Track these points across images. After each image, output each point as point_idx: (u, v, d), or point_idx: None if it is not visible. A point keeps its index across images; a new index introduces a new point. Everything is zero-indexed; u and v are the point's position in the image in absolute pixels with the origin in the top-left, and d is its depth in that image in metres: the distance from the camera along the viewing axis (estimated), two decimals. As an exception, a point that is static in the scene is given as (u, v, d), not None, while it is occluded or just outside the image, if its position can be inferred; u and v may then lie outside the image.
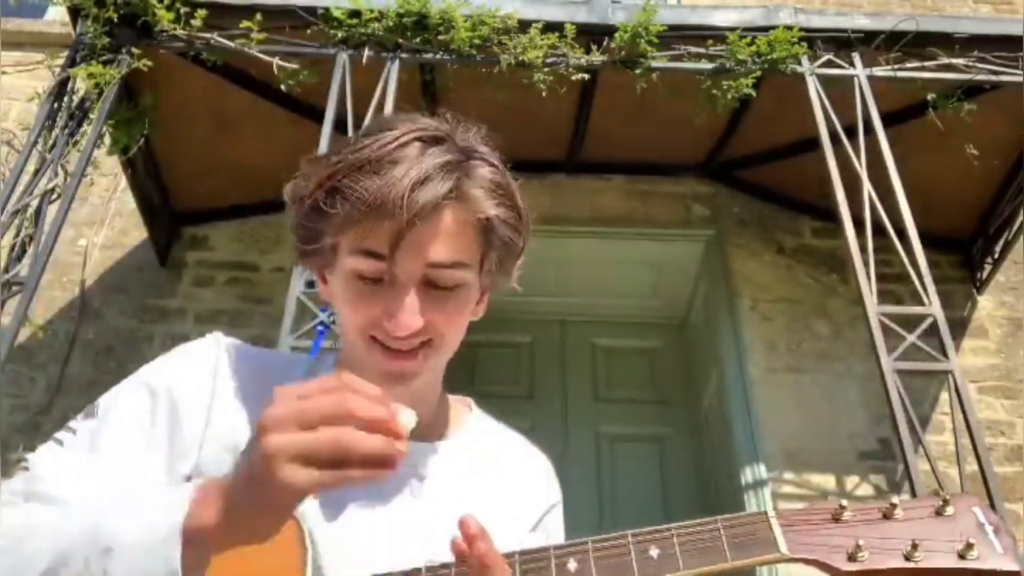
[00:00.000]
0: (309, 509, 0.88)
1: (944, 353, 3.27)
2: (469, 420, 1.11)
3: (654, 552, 0.87)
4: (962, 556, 0.84)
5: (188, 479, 0.92)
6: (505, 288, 1.04)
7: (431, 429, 1.05)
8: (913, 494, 3.00)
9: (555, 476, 1.14)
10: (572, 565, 0.85)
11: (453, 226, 0.91)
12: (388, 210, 0.86)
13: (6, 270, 3.31)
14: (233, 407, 0.96)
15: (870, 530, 0.87)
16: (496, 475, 1.06)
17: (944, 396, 4.21)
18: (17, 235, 3.41)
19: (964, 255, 5.04)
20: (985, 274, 4.92)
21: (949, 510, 0.88)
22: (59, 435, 0.94)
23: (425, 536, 0.95)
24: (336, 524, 0.91)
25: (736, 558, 0.87)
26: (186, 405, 0.95)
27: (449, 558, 0.87)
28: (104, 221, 4.96)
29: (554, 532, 1.09)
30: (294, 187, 0.98)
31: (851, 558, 0.85)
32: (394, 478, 0.95)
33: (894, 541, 0.86)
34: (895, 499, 0.89)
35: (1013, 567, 0.84)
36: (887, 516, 0.88)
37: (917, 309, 3.42)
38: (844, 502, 0.89)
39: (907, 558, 0.84)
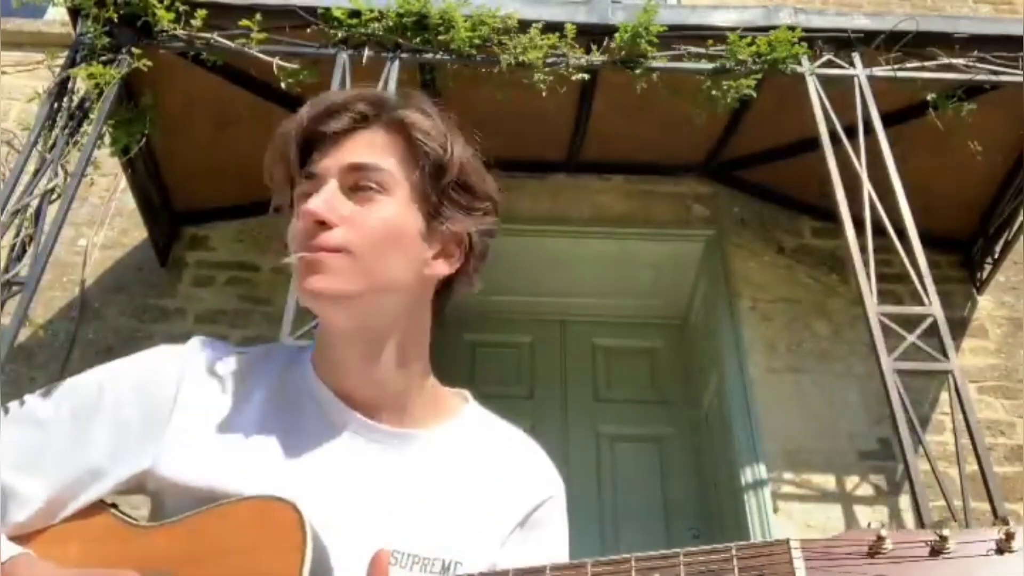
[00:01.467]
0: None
1: (944, 353, 3.27)
2: (463, 411, 1.08)
3: None
4: None
5: (135, 479, 0.93)
6: (472, 237, 1.00)
7: (413, 415, 1.02)
8: (913, 495, 3.00)
9: (553, 469, 1.11)
10: None
11: (368, 135, 0.96)
12: (303, 132, 0.96)
13: (6, 270, 3.31)
14: (196, 408, 0.95)
15: (915, 569, 0.73)
16: (485, 466, 1.03)
17: (944, 396, 4.21)
18: (17, 235, 3.41)
19: (964, 255, 5.04)
20: (985, 274, 4.92)
21: (1015, 545, 0.72)
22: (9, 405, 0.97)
23: (407, 524, 0.94)
24: (320, 511, 0.89)
25: None
26: (144, 405, 0.94)
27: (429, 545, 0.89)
28: (104, 221, 4.96)
29: (548, 524, 1.06)
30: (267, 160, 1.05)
31: None
32: (385, 461, 0.96)
33: None
34: (947, 530, 0.73)
35: None
36: (936, 551, 0.73)
37: (917, 309, 3.42)
38: (883, 532, 0.75)
39: None
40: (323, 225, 0.91)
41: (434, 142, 0.96)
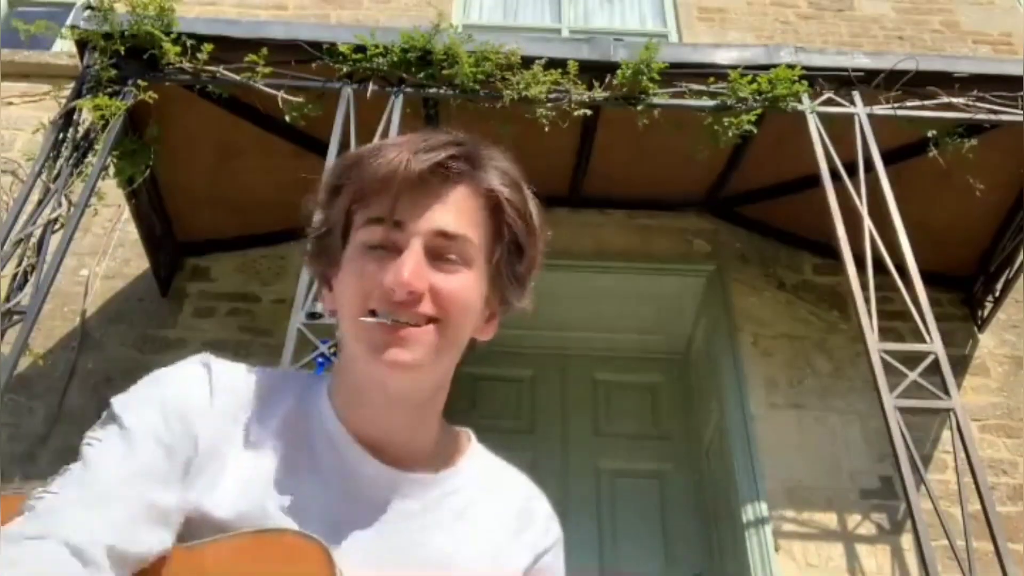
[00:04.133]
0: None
1: (946, 391, 3.26)
2: (469, 454, 1.07)
3: None
4: None
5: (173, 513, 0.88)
6: (516, 305, 1.00)
7: (432, 457, 1.01)
8: (916, 534, 2.97)
9: (554, 515, 1.11)
10: None
11: (462, 197, 0.91)
12: (392, 175, 0.87)
13: (7, 299, 3.31)
14: (221, 437, 0.92)
15: None
16: (493, 512, 1.03)
17: (946, 434, 4.19)
18: (19, 264, 3.42)
19: (965, 293, 5.04)
20: (986, 312, 4.91)
21: None
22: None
23: (426, 567, 0.94)
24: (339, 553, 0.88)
25: None
26: (185, 438, 0.90)
27: None
28: (106, 251, 4.97)
29: (554, 569, 1.07)
30: (305, 200, 0.99)
31: None
32: (400, 507, 0.95)
33: None
34: None
35: None
36: None
37: (918, 346, 3.41)
38: None
39: None
40: (412, 295, 0.87)
41: (520, 224, 0.95)
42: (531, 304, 1.02)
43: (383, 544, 0.93)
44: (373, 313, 0.88)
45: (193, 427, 0.90)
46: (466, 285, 0.91)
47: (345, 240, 0.93)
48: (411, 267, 0.86)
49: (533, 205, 0.97)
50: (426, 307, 0.88)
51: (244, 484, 0.89)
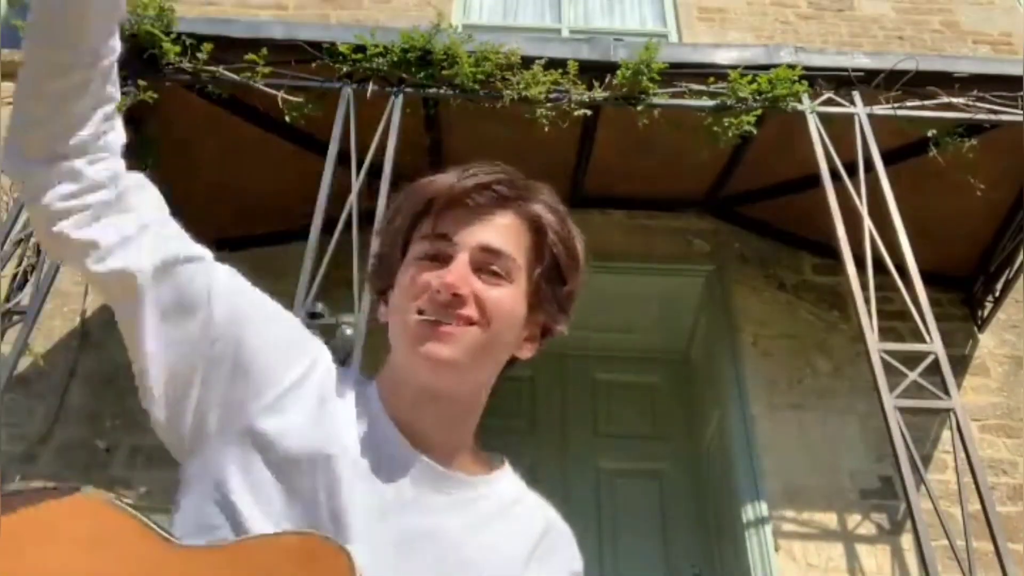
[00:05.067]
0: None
1: (946, 391, 3.26)
2: (502, 470, 1.11)
3: None
4: None
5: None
6: (555, 329, 1.08)
7: (467, 463, 1.05)
8: (916, 534, 2.97)
9: (576, 544, 1.14)
10: None
11: (504, 219, 1.00)
12: (442, 193, 0.98)
13: (7, 299, 3.31)
14: (316, 387, 0.99)
15: None
16: (515, 527, 1.05)
17: (946, 434, 4.19)
18: (19, 265, 3.42)
19: (965, 293, 5.04)
20: (986, 312, 4.91)
21: None
22: None
23: (459, 565, 0.96)
24: (373, 545, 0.90)
25: None
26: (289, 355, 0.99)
27: None
28: (106, 251, 4.97)
29: None
30: (374, 248, 1.11)
31: None
32: (433, 499, 0.98)
33: None
34: None
35: None
36: None
37: (918, 346, 3.41)
38: None
39: None
40: (457, 298, 0.95)
41: (562, 249, 1.04)
42: (567, 329, 1.09)
43: (409, 533, 0.94)
44: (420, 313, 0.96)
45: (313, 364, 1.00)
46: (507, 297, 0.98)
47: (403, 259, 1.02)
48: (456, 272, 0.95)
49: (578, 239, 1.07)
50: (469, 311, 0.95)
51: (314, 426, 0.95)
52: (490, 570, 0.98)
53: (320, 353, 1.02)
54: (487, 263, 0.98)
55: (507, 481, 1.10)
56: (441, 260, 0.97)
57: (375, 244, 1.09)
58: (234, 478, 0.91)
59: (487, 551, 0.99)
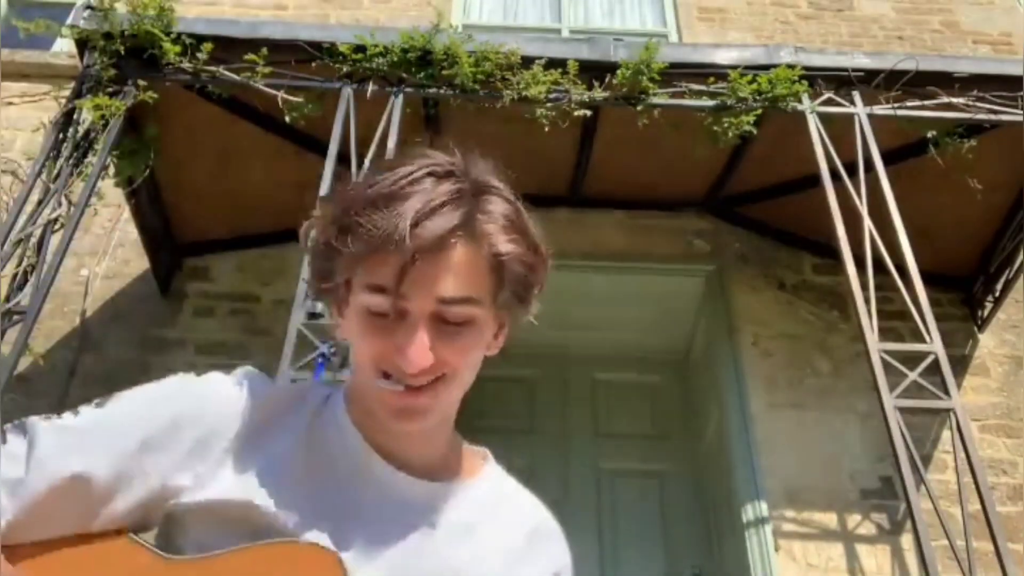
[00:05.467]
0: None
1: (946, 391, 3.26)
2: (484, 469, 1.10)
3: None
4: None
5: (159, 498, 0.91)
6: (522, 321, 1.04)
7: (444, 469, 1.04)
8: (916, 534, 2.97)
9: (564, 538, 1.12)
10: None
11: (463, 261, 0.90)
12: (395, 244, 0.86)
13: (7, 299, 3.31)
14: (239, 440, 0.94)
15: None
16: (501, 528, 1.05)
17: (946, 434, 4.19)
18: (19, 264, 3.42)
19: (965, 293, 5.04)
20: (986, 312, 4.91)
21: None
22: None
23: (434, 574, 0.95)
24: (349, 556, 0.90)
25: None
26: (194, 431, 0.93)
27: None
28: (106, 251, 4.97)
29: None
30: (307, 226, 0.98)
31: None
32: (407, 514, 0.97)
33: None
34: None
35: None
36: None
37: (918, 346, 3.41)
38: None
39: None
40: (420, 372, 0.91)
41: (526, 268, 0.96)
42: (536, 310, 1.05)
43: (393, 548, 0.95)
44: (386, 374, 0.91)
45: (206, 426, 0.94)
46: (471, 342, 0.94)
47: (349, 288, 0.93)
48: (417, 349, 0.88)
49: (536, 237, 1.00)
50: (434, 371, 0.91)
51: (258, 481, 0.92)
52: None
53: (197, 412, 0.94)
54: (446, 314, 0.90)
55: (490, 481, 1.09)
56: (395, 316, 0.89)
57: (313, 249, 0.97)
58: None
59: (475, 559, 0.99)
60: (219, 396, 0.96)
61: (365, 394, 0.98)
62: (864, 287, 3.47)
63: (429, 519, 0.98)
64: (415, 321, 0.89)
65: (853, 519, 4.30)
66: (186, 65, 3.85)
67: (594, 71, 3.99)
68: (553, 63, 3.94)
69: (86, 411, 0.95)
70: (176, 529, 0.92)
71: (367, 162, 3.63)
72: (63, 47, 5.46)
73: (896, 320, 3.94)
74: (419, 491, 0.99)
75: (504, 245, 0.93)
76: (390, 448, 0.99)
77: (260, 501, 0.90)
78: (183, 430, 0.92)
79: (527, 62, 3.93)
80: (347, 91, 3.87)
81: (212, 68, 3.86)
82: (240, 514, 0.89)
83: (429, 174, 0.91)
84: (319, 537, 0.89)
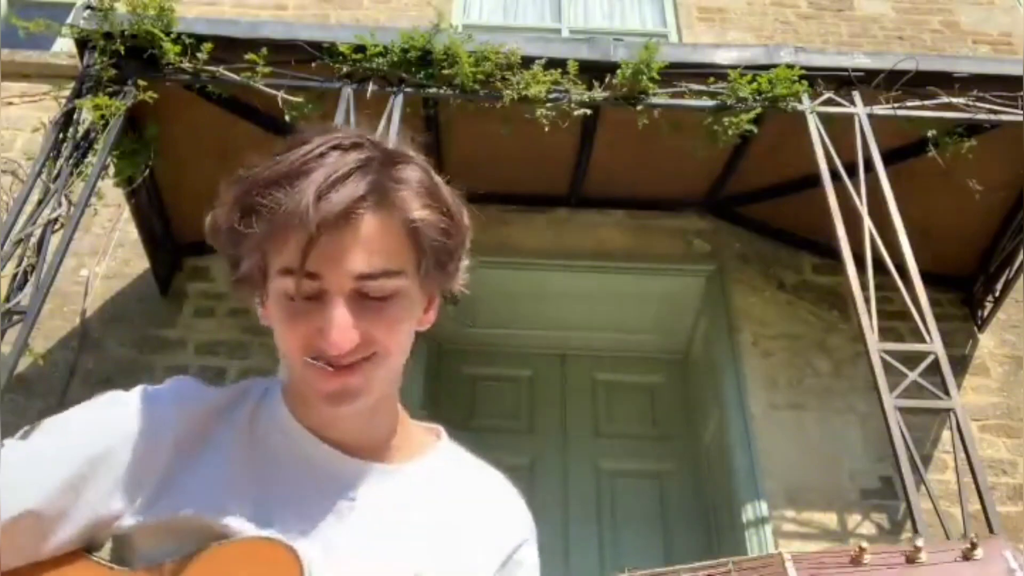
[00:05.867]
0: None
1: (946, 391, 3.26)
2: (436, 447, 1.07)
3: None
4: None
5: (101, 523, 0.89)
6: (452, 291, 1.00)
7: (388, 451, 1.01)
8: (915, 533, 2.97)
9: (526, 509, 1.11)
10: None
11: (376, 232, 0.86)
12: (298, 220, 0.82)
13: (7, 299, 3.31)
14: (176, 452, 0.92)
15: None
16: (463, 505, 1.03)
17: (946, 434, 4.18)
18: (19, 265, 3.42)
19: (965, 293, 5.03)
20: (986, 312, 4.91)
21: (978, 554, 0.83)
22: None
23: (392, 559, 0.94)
24: (304, 548, 0.88)
25: None
26: (129, 455, 0.91)
27: None
28: (106, 251, 4.97)
29: (528, 565, 1.06)
30: (212, 216, 0.94)
31: None
32: (365, 497, 0.95)
33: None
34: (920, 541, 0.84)
35: None
36: (911, 560, 0.84)
37: (918, 346, 3.41)
38: (865, 544, 0.85)
39: None
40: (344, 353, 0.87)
41: (442, 240, 0.92)
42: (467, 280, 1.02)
43: (348, 535, 0.93)
44: (314, 358, 0.88)
45: (142, 448, 0.91)
46: (397, 316, 0.90)
47: (265, 274, 0.90)
48: (338, 328, 0.85)
49: (452, 204, 0.94)
50: (362, 349, 0.88)
51: (200, 490, 0.90)
52: (438, 558, 0.96)
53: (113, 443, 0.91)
54: (366, 290, 0.87)
55: (443, 458, 1.07)
56: (313, 299, 0.86)
57: (220, 238, 0.93)
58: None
59: (433, 537, 0.97)
60: (147, 417, 0.93)
61: (296, 381, 0.97)
62: (864, 287, 3.47)
63: (384, 501, 0.97)
64: (333, 300, 0.85)
65: (853, 519, 4.30)
66: (186, 65, 3.85)
67: (594, 71, 3.99)
68: (553, 63, 3.93)
69: (14, 445, 0.92)
70: (125, 547, 0.90)
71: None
72: (63, 47, 5.46)
73: (896, 320, 3.94)
74: (367, 474, 0.97)
75: (418, 212, 0.89)
76: (330, 433, 0.97)
77: (206, 510, 0.88)
78: (112, 457, 0.89)
79: (527, 62, 3.93)
80: (347, 91, 3.87)
81: (212, 68, 3.86)
82: (189, 525, 0.88)
83: (334, 147, 0.87)
84: (271, 532, 0.88)
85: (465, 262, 1.00)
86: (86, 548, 0.90)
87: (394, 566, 0.93)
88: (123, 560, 0.90)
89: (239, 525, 0.88)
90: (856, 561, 0.84)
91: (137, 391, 0.96)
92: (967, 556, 0.83)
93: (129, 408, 0.94)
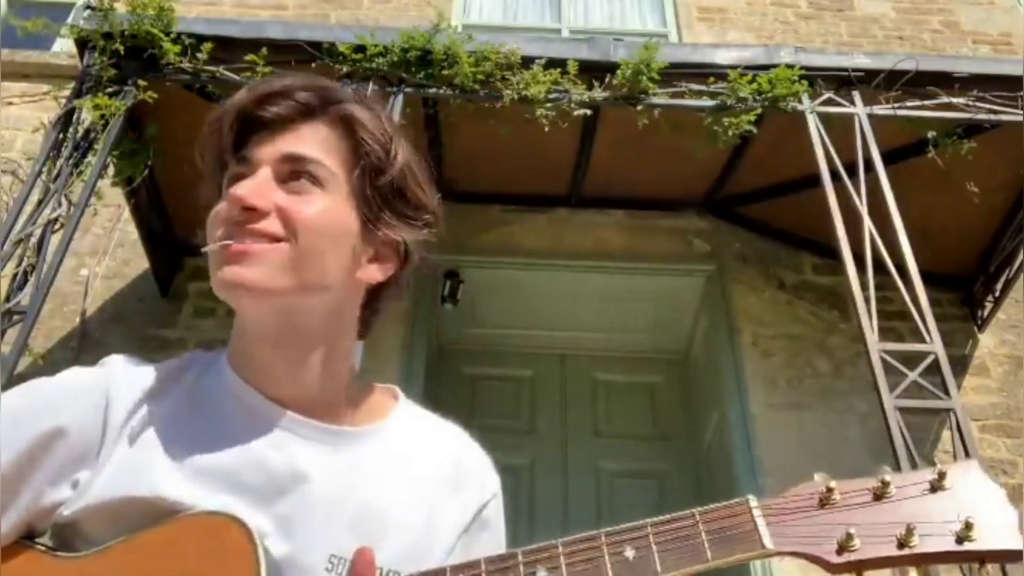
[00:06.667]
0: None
1: (946, 391, 3.26)
2: (394, 409, 1.04)
3: (629, 553, 0.81)
4: (961, 539, 0.77)
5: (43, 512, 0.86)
6: (404, 239, 0.96)
7: (343, 412, 0.98)
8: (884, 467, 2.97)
9: (491, 466, 1.07)
10: (542, 573, 0.79)
11: (307, 126, 0.92)
12: (238, 112, 0.90)
13: (7, 299, 3.31)
14: (118, 429, 0.88)
15: (861, 515, 0.80)
16: (420, 469, 0.99)
17: (946, 434, 4.18)
18: (19, 264, 3.42)
19: (965, 293, 5.03)
20: (986, 312, 4.91)
21: (947, 483, 0.81)
22: None
23: (358, 521, 0.90)
24: (254, 515, 0.85)
25: (717, 556, 0.81)
26: (70, 440, 0.87)
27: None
28: (106, 251, 4.97)
29: (494, 524, 1.04)
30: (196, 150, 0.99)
31: (842, 549, 0.78)
32: (324, 460, 0.91)
33: (887, 526, 0.78)
34: (887, 475, 0.82)
35: (1016, 546, 0.77)
36: (879, 496, 0.81)
37: (918, 346, 3.41)
38: (833, 483, 0.82)
39: (901, 544, 0.77)
40: (253, 213, 0.87)
41: (377, 143, 0.94)
42: (429, 236, 0.99)
43: (307, 503, 0.89)
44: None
45: (82, 428, 0.88)
46: (317, 205, 0.89)
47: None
48: (249, 186, 0.87)
49: (391, 127, 0.97)
50: (268, 225, 0.87)
51: (145, 467, 0.86)
52: (403, 523, 0.93)
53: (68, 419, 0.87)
54: (292, 172, 0.89)
55: (404, 419, 1.03)
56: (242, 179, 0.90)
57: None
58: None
59: (397, 499, 0.94)
60: (85, 396, 0.89)
61: (237, 339, 0.97)
62: (864, 287, 3.47)
63: (341, 463, 0.93)
64: (256, 169, 0.90)
65: (853, 519, 4.30)
66: (186, 65, 3.86)
67: (594, 71, 3.99)
68: (553, 63, 3.94)
69: None
70: (70, 532, 0.86)
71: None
72: (63, 47, 5.46)
73: (896, 320, 3.94)
74: (324, 436, 0.93)
75: (352, 109, 0.93)
76: (275, 390, 0.93)
77: (153, 487, 0.84)
78: (53, 443, 0.86)
79: (527, 62, 3.93)
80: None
81: (212, 68, 3.86)
82: (137, 506, 0.83)
83: (301, 81, 0.95)
84: (223, 503, 0.83)
85: (419, 224, 0.98)
86: (26, 536, 0.86)
87: (354, 532, 0.89)
88: (68, 547, 0.85)
89: (189, 499, 0.84)
90: (824, 502, 0.82)
91: (74, 371, 0.94)
92: (935, 487, 0.81)
93: (68, 389, 0.91)
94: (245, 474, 0.87)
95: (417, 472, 0.98)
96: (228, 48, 3.91)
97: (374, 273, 0.96)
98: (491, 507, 1.04)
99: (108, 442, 0.87)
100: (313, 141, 0.91)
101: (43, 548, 0.86)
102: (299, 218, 0.88)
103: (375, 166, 0.93)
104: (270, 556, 0.81)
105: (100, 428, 0.87)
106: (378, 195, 0.94)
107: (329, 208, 0.90)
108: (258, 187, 0.87)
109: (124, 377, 0.92)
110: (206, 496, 0.84)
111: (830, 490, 0.82)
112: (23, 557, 0.85)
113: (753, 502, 0.84)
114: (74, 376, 0.93)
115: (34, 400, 0.90)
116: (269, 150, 0.90)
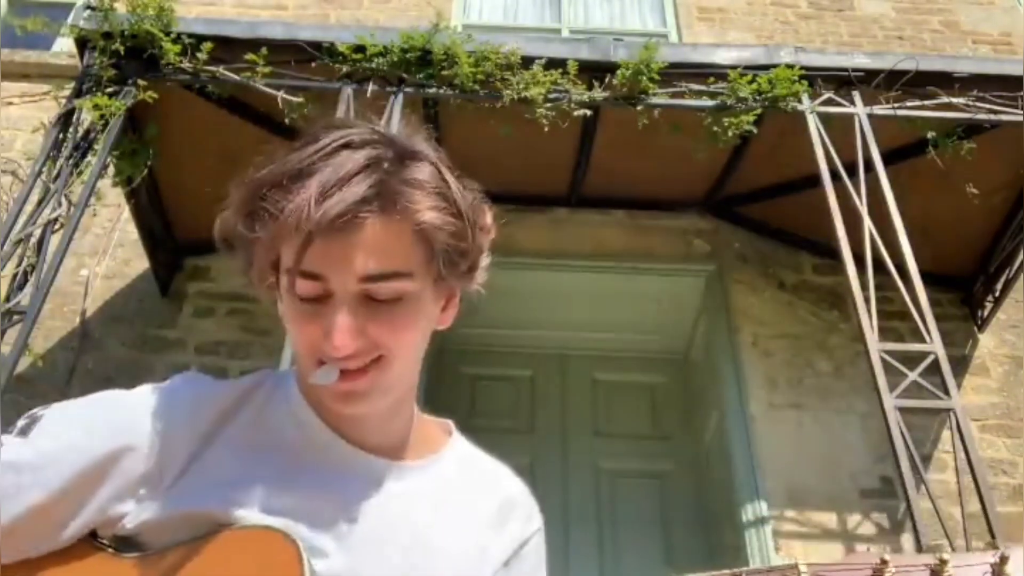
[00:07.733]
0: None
1: (946, 391, 3.26)
2: (447, 444, 1.08)
3: None
4: None
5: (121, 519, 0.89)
6: (469, 291, 0.98)
7: (402, 448, 1.02)
8: (915, 533, 2.97)
9: (534, 503, 1.10)
10: None
11: (382, 234, 0.84)
12: (300, 222, 0.81)
13: (7, 299, 3.31)
14: (186, 449, 0.91)
15: None
16: (470, 502, 1.03)
17: (946, 434, 4.18)
18: (19, 264, 3.42)
19: (965, 293, 5.03)
20: (986, 312, 4.91)
21: (1009, 568, 0.78)
22: None
23: (408, 552, 0.94)
24: (312, 540, 0.89)
25: None
26: (141, 462, 0.90)
27: None
28: (106, 251, 4.97)
29: (533, 561, 1.07)
30: (222, 218, 0.94)
31: None
32: (380, 493, 0.95)
33: None
34: (946, 554, 0.78)
35: None
36: (936, 574, 0.78)
37: (918, 346, 3.41)
38: (887, 556, 0.79)
39: None
40: (349, 357, 0.86)
41: (455, 237, 0.88)
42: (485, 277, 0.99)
43: (362, 529, 0.93)
44: (322, 362, 0.87)
45: (148, 448, 0.90)
46: (407, 320, 0.88)
47: (278, 273, 0.89)
48: (343, 330, 0.84)
49: (464, 204, 0.90)
50: (368, 352, 0.87)
51: (210, 487, 0.89)
52: (452, 553, 0.97)
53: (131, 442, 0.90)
54: (375, 292, 0.85)
55: (455, 454, 1.07)
56: (322, 301, 0.85)
57: (232, 238, 0.93)
58: None
59: (445, 533, 0.98)
60: (160, 416, 0.91)
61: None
62: (864, 287, 3.47)
63: (396, 495, 0.97)
64: (338, 302, 0.84)
65: (853, 519, 4.30)
66: (186, 65, 3.86)
67: (594, 71, 3.99)
68: (553, 63, 3.94)
69: (16, 445, 0.93)
70: (131, 537, 0.89)
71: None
72: (63, 47, 5.47)
73: (896, 320, 3.94)
74: (383, 470, 0.97)
75: (426, 214, 0.85)
76: (346, 430, 0.96)
77: (216, 506, 0.87)
78: (124, 458, 0.88)
79: (527, 62, 3.93)
80: (347, 91, 3.87)
81: (212, 68, 3.86)
82: (197, 519, 0.87)
83: (344, 145, 0.86)
84: (276, 521, 0.87)
85: (485, 261, 0.97)
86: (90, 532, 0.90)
87: (405, 560, 0.93)
88: (126, 546, 0.89)
89: (248, 517, 0.87)
90: (877, 574, 0.78)
91: (148, 389, 0.95)
92: (996, 572, 0.78)
93: (141, 407, 0.93)
94: (305, 502, 0.91)
95: (467, 506, 1.02)
96: (228, 48, 3.91)
97: (447, 320, 0.99)
98: (532, 543, 1.08)
99: (176, 463, 0.90)
100: (388, 251, 0.85)
101: (103, 545, 0.89)
102: (394, 341, 0.88)
103: (455, 258, 0.90)
104: (316, 574, 0.84)
105: (169, 448, 0.90)
106: (456, 275, 0.93)
107: (414, 313, 0.89)
108: (349, 329, 0.84)
109: (200, 399, 0.95)
110: (263, 519, 0.88)
111: (884, 563, 0.79)
112: (86, 555, 0.88)
113: (803, 567, 0.81)
114: (149, 393, 0.95)
115: (109, 413, 0.93)
116: (345, 273, 0.84)
